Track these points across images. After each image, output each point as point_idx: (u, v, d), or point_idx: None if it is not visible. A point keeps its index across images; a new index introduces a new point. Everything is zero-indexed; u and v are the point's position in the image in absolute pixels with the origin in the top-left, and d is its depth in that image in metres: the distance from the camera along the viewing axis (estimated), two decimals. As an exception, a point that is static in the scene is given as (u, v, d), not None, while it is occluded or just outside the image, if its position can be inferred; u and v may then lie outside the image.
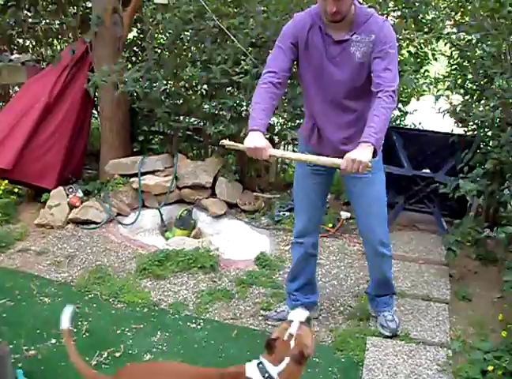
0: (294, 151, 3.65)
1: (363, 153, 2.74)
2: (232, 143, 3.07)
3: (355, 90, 3.09)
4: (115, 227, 5.18)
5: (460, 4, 5.13)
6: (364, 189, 3.32)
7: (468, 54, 4.92)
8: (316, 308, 3.85)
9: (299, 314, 2.43)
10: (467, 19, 4.99)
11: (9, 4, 6.07)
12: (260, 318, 3.81)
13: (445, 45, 5.45)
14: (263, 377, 2.24)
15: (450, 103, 4.99)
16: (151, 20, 5.46)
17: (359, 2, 3.06)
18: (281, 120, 5.55)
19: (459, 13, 5.21)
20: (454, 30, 5.21)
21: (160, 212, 5.37)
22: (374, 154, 2.81)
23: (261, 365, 2.28)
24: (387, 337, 3.56)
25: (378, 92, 2.90)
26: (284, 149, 5.92)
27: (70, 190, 5.38)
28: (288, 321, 2.40)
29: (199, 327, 3.66)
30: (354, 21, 2.98)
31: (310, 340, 2.34)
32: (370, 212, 3.38)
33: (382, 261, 3.53)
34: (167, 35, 5.65)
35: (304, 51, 3.11)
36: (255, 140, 2.89)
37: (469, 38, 4.88)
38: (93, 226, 5.13)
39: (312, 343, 2.36)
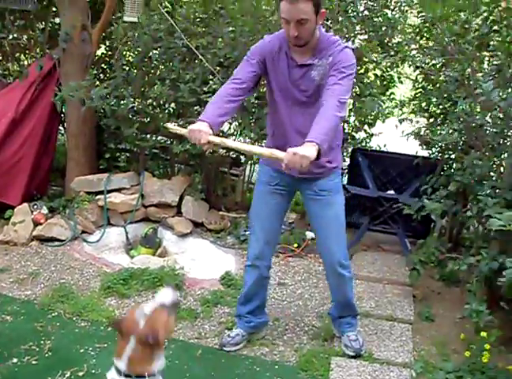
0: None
1: (306, 149, 2.73)
2: (175, 127, 3.14)
3: (316, 112, 3.05)
4: (80, 244, 5.12)
5: (425, 28, 5.24)
6: (323, 210, 3.39)
7: (433, 77, 5.03)
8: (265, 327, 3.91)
9: (164, 296, 2.28)
10: (431, 43, 5.11)
11: (-24, 18, 6.02)
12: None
13: (409, 67, 5.57)
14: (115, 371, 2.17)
15: (414, 127, 5.10)
16: (120, 37, 5.46)
17: (326, 30, 3.20)
18: (248, 140, 5.58)
19: (424, 38, 5.33)
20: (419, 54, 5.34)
21: (125, 230, 5.34)
22: (319, 156, 2.77)
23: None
24: (351, 357, 3.58)
25: (327, 99, 2.94)
26: (250, 169, 5.96)
27: (35, 207, 5.32)
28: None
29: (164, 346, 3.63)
30: (317, 47, 3.08)
31: (161, 324, 2.17)
32: (328, 233, 3.44)
33: (342, 282, 3.56)
34: (136, 52, 5.65)
35: (271, 72, 3.20)
36: (199, 125, 2.93)
37: (434, 62, 4.99)
38: (58, 243, 5.07)
39: (164, 327, 2.18)
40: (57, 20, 6.28)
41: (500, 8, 4.12)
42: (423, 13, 4.67)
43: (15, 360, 3.39)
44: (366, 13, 5.38)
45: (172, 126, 3.14)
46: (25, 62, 6.95)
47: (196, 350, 3.63)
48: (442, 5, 4.33)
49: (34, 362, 3.37)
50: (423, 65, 5.12)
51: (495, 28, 4.24)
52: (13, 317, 3.90)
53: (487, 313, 3.35)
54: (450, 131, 4.47)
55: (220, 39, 5.15)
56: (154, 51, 5.39)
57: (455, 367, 3.40)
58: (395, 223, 5.25)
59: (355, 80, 5.15)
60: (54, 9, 6.29)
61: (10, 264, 4.67)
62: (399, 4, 5.51)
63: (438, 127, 5.08)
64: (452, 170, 4.73)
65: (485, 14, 4.29)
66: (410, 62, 5.31)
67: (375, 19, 5.35)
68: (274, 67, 3.17)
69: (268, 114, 3.51)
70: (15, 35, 6.43)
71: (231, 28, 5.10)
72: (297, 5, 2.86)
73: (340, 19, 5.16)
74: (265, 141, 5.26)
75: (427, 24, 5.03)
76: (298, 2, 2.85)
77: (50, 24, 6.50)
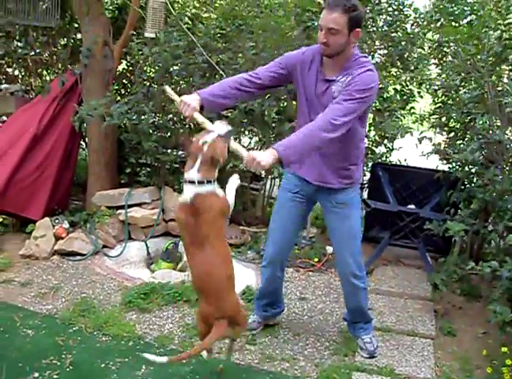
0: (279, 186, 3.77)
1: (264, 155, 2.82)
2: (171, 92, 3.23)
3: None
4: (101, 259, 5.15)
5: (441, 48, 5.26)
6: (339, 222, 3.53)
7: (452, 92, 5.02)
8: (282, 313, 4.19)
9: (219, 128, 2.91)
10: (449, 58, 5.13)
11: (-1, 34, 6.12)
12: (246, 353, 3.79)
13: (427, 91, 5.59)
14: (189, 183, 2.87)
15: (433, 144, 5.09)
16: (140, 53, 5.51)
17: (363, 54, 3.27)
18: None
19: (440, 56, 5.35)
20: (438, 70, 5.35)
21: (146, 244, 5.36)
22: (282, 165, 2.89)
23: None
24: (372, 373, 3.55)
25: (320, 116, 3.02)
26: (270, 184, 5.96)
27: (56, 221, 5.37)
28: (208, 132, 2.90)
29: (184, 361, 3.62)
30: (344, 65, 3.16)
31: (220, 149, 2.85)
32: (343, 244, 3.58)
33: (355, 292, 3.69)
34: (156, 68, 5.70)
35: (300, 81, 3.31)
36: (189, 97, 3.07)
37: (452, 79, 4.98)
38: (79, 257, 5.10)
39: (222, 152, 2.86)
40: (79, 36, 6.36)
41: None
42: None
43: (36, 374, 3.39)
44: (385, 28, 5.38)
45: (168, 90, 3.25)
46: (47, 78, 7.04)
47: (217, 365, 3.62)
48: (455, 31, 4.39)
49: (55, 377, 3.37)
50: (442, 83, 5.12)
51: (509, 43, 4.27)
52: (35, 331, 3.91)
53: (509, 311, 3.40)
54: (469, 148, 4.43)
55: (240, 55, 5.18)
56: (174, 67, 5.42)
57: (478, 384, 3.37)
58: (416, 238, 5.21)
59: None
60: (76, 25, 6.37)
61: (32, 278, 4.70)
62: (418, 19, 5.52)
63: (458, 142, 5.06)
64: (473, 185, 4.71)
65: (498, 33, 4.31)
66: (428, 85, 5.35)
67: (394, 34, 5.36)
68: (303, 77, 3.28)
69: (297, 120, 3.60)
70: (38, 51, 6.52)
71: (252, 44, 5.12)
72: (332, 14, 2.99)
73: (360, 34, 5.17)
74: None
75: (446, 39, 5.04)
76: (334, 12, 2.98)
77: (73, 40, 6.59)
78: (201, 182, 2.86)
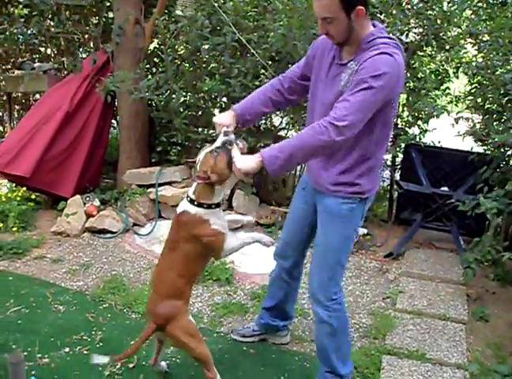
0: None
1: (246, 160, 2.61)
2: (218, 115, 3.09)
3: None
4: (131, 237, 5.18)
5: (481, 22, 5.13)
6: (320, 232, 3.02)
7: (489, 72, 4.90)
8: (283, 334, 3.67)
9: (217, 142, 2.78)
10: (486, 37, 5.00)
11: (33, 13, 6.12)
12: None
13: (465, 74, 5.46)
14: (188, 201, 2.81)
15: (470, 125, 4.98)
16: (165, 31, 5.46)
17: (382, 27, 2.72)
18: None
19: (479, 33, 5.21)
20: (473, 51, 5.22)
21: (176, 223, 5.35)
22: (268, 170, 2.58)
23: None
24: (403, 356, 3.51)
25: (321, 119, 2.55)
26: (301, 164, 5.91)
27: (87, 199, 5.41)
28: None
29: (213, 340, 3.63)
30: (358, 48, 2.64)
31: (209, 166, 2.70)
32: (315, 258, 3.06)
33: (316, 324, 3.13)
34: (187, 46, 5.66)
35: (318, 64, 2.88)
36: (223, 115, 3.00)
37: (489, 58, 4.87)
38: (109, 235, 5.15)
39: (213, 168, 2.70)
40: (110, 14, 6.35)
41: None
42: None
43: (67, 349, 3.43)
44: (420, 5, 5.25)
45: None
46: (80, 57, 7.05)
47: (246, 345, 3.62)
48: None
49: (85, 352, 3.40)
50: (479, 63, 5.00)
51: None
52: (66, 307, 3.95)
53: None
54: (511, 130, 4.31)
55: (271, 34, 5.11)
56: (204, 47, 5.36)
57: (511, 371, 3.31)
58: (448, 221, 5.14)
59: (409, 74, 5.07)
60: (108, 3, 6.36)
61: (63, 255, 4.75)
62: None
63: (495, 123, 4.95)
64: (509, 167, 4.61)
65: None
66: (466, 66, 5.20)
67: (430, 12, 5.22)
68: (320, 62, 2.85)
69: None
70: (70, 30, 6.53)
71: (278, 24, 5.04)
72: (321, 1, 2.53)
73: (393, 12, 5.07)
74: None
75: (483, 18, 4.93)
76: None
77: (104, 19, 6.59)
78: (192, 201, 2.80)
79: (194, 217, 2.78)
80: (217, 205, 2.82)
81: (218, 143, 2.76)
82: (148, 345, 3.47)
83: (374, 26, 2.67)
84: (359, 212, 2.92)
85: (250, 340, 3.64)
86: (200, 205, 2.78)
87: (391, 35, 2.69)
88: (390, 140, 4.84)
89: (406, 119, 5.60)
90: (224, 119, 2.93)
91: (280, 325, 3.62)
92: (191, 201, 2.79)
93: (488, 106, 5.18)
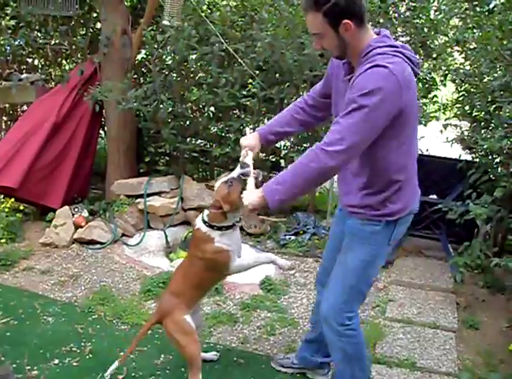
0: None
1: (249, 195, 2.57)
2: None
3: None
4: (120, 247, 5.15)
5: (468, 30, 5.16)
6: (341, 253, 2.83)
7: (476, 79, 4.93)
8: (323, 373, 3.41)
9: (232, 174, 2.90)
10: (473, 45, 5.04)
11: (20, 25, 6.11)
12: (266, 343, 3.76)
13: (453, 81, 5.48)
14: (202, 220, 3.03)
15: (458, 132, 5.00)
16: (153, 41, 5.47)
17: (385, 34, 2.53)
18: (288, 143, 5.54)
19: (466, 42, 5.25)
20: (461, 58, 5.25)
21: (165, 233, 5.34)
22: (270, 205, 2.48)
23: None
24: (393, 365, 3.50)
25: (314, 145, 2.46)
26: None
27: (76, 210, 5.38)
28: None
29: (203, 350, 3.61)
30: (357, 62, 2.50)
31: (223, 192, 2.87)
32: (332, 276, 2.88)
33: (329, 348, 2.97)
34: (174, 57, 5.66)
35: (334, 81, 2.76)
36: (247, 138, 3.03)
37: (477, 65, 4.90)
38: (98, 246, 5.11)
39: (225, 198, 2.85)
40: (98, 25, 6.35)
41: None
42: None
43: (56, 361, 3.40)
44: (407, 14, 5.29)
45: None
46: (67, 67, 7.05)
47: (236, 355, 3.60)
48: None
49: (75, 364, 3.38)
50: (467, 71, 5.03)
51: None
52: (55, 318, 3.92)
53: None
54: (497, 136, 4.31)
55: (259, 43, 5.13)
56: (191, 57, 5.36)
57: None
58: (437, 229, 5.15)
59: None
60: (95, 14, 6.36)
61: (52, 267, 4.72)
62: (441, 5, 5.40)
63: (482, 131, 4.98)
64: (497, 175, 4.63)
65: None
66: (454, 73, 5.23)
67: (417, 20, 5.26)
68: (336, 80, 2.73)
69: None
70: (57, 41, 6.52)
71: (265, 33, 5.05)
72: (308, 17, 2.47)
73: (381, 20, 5.10)
74: (304, 145, 5.28)
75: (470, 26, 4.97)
76: (308, 13, 2.46)
77: (92, 30, 6.59)
78: (204, 222, 3.01)
79: (204, 234, 3.01)
80: (228, 227, 3.00)
81: (234, 174, 2.89)
82: (137, 355, 3.47)
83: (379, 34, 2.53)
84: (385, 235, 2.68)
85: (289, 371, 3.44)
86: (211, 227, 2.99)
87: (394, 42, 2.49)
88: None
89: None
90: (248, 141, 2.96)
91: (318, 362, 3.37)
92: (204, 222, 3.01)
93: (476, 113, 5.21)
